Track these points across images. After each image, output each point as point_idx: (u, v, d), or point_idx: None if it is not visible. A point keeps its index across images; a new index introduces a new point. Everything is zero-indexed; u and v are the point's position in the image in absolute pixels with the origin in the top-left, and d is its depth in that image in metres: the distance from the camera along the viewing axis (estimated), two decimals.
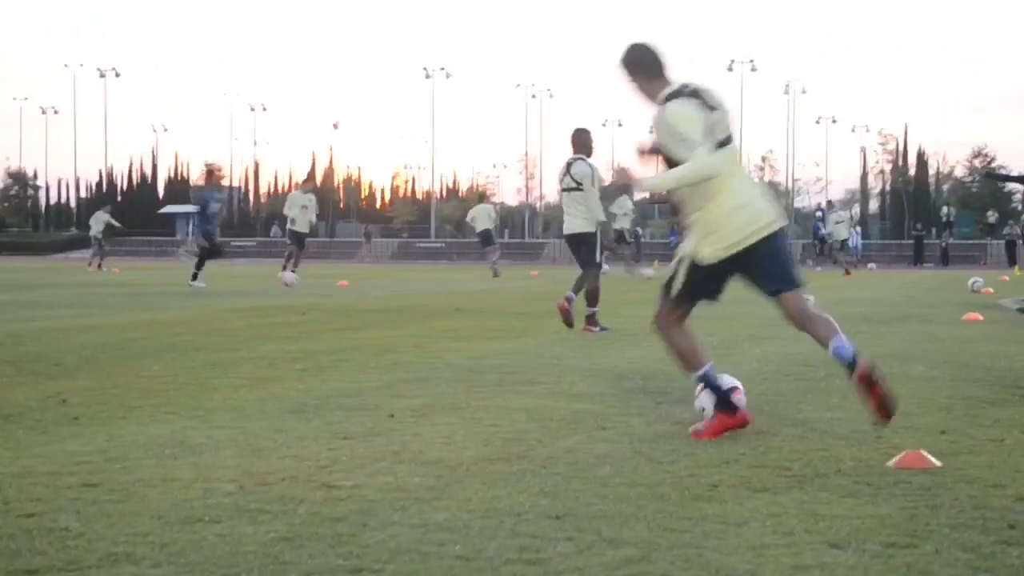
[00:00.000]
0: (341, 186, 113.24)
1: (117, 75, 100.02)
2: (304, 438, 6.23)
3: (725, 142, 6.44)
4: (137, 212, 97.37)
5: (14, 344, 11.47)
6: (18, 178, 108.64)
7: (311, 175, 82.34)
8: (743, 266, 6.46)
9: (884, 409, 6.08)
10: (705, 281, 6.53)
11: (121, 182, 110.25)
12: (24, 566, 3.85)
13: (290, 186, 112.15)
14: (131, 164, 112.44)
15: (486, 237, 37.80)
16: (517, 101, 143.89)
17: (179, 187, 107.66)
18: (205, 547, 4.08)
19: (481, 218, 37.69)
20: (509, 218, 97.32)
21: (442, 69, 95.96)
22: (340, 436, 6.28)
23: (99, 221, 44.65)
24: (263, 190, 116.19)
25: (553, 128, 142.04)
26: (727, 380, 6.56)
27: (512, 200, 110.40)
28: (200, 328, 13.70)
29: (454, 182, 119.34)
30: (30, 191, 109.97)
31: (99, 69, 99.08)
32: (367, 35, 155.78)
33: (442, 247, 79.07)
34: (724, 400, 6.42)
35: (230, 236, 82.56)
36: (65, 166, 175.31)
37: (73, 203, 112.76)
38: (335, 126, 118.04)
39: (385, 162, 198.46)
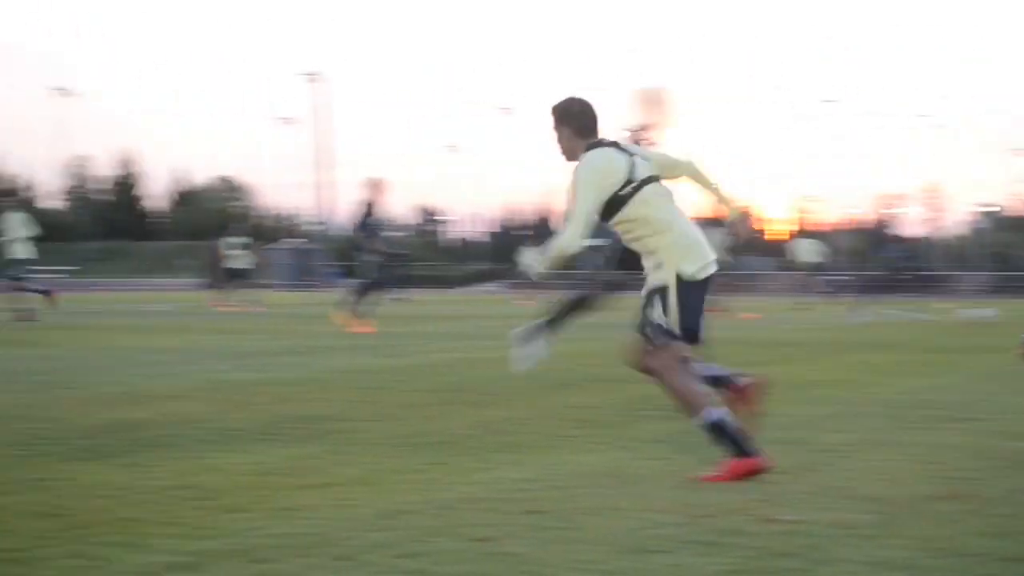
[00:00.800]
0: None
1: (511, 112, 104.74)
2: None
3: (647, 182, 6.23)
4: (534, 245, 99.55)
5: (444, 373, 11.92)
6: (429, 214, 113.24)
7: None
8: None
9: None
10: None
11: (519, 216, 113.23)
12: None
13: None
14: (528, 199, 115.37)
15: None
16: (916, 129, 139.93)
17: None
18: (653, 575, 4.11)
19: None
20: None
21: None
22: (776, 470, 6.22)
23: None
24: None
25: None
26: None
27: (917, 231, 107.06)
28: (598, 361, 13.87)
29: (858, 213, 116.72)
30: (439, 226, 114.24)
31: (499, 106, 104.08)
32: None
33: (851, 279, 77.23)
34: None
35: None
36: (466, 202, 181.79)
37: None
38: None
39: (779, 194, 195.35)
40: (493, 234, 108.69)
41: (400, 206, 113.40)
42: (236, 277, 32.44)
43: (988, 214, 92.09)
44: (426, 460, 6.53)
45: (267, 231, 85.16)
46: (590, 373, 11.93)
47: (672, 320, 6.12)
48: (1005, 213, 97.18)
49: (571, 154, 6.39)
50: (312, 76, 72.88)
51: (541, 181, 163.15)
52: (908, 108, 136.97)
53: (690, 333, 6.16)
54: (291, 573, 4.17)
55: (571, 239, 6.17)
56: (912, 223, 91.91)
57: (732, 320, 23.61)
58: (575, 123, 6.41)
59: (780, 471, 6.17)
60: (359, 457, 6.65)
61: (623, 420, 8.18)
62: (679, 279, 6.12)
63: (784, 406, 9.04)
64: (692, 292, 6.13)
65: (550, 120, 6.50)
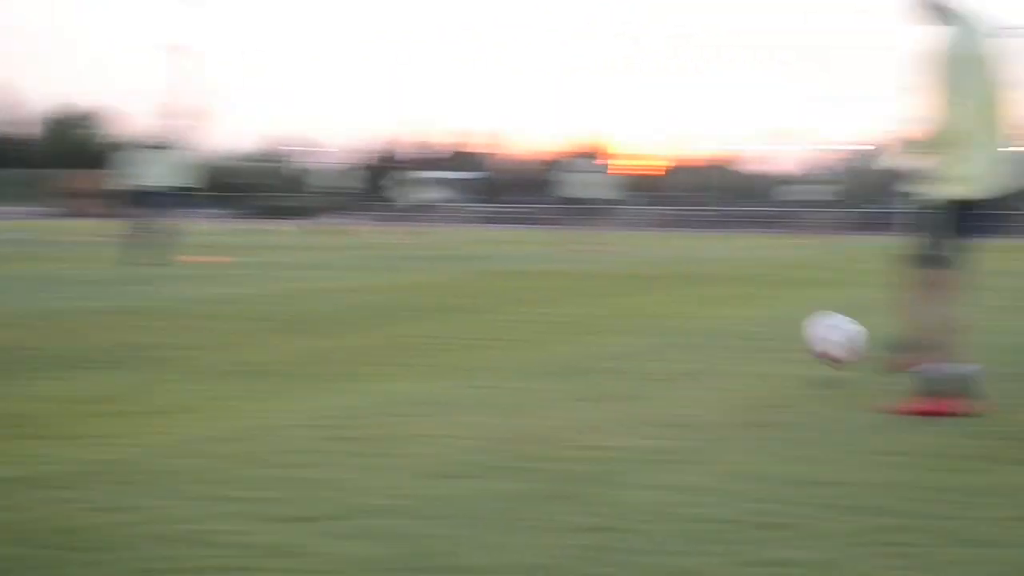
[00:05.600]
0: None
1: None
2: (561, 399, 6.30)
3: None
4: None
5: (283, 304, 11.87)
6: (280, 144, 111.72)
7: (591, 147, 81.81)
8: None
9: None
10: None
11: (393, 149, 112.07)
12: (299, 513, 3.97)
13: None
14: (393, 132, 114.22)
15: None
16: None
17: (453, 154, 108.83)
18: (459, 502, 4.15)
19: None
20: None
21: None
22: (596, 398, 6.31)
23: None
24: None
25: None
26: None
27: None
28: (458, 291, 13.92)
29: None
30: (290, 156, 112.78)
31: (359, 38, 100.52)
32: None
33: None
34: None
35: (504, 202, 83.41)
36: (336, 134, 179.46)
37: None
38: None
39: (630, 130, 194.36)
40: (344, 167, 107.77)
41: (253, 136, 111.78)
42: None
43: None
44: (251, 388, 6.49)
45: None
46: (424, 304, 11.96)
47: None
48: None
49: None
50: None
51: (394, 115, 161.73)
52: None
53: None
54: (82, 499, 4.11)
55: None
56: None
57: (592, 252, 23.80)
58: None
59: (596, 399, 6.27)
60: (186, 384, 6.60)
61: (453, 350, 8.21)
62: None
63: (610, 337, 9.17)
64: None
65: None
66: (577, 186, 28.79)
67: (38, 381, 6.63)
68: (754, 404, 6.25)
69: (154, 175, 19.45)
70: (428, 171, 46.86)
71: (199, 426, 5.41)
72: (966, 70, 5.90)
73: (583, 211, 28.92)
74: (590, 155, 32.86)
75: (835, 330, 7.00)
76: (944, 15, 5.95)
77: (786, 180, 66.63)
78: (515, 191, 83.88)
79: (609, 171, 29.46)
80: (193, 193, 21.55)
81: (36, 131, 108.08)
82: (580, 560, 3.49)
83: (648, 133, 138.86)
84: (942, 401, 5.90)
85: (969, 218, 5.95)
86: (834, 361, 6.94)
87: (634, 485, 4.41)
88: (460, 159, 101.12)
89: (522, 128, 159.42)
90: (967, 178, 5.90)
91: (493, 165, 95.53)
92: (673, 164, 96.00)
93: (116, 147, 23.52)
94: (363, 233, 35.62)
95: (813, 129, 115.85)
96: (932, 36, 5.96)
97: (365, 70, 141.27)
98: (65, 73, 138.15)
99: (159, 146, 19.79)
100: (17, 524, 3.81)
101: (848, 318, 7.13)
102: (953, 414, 5.83)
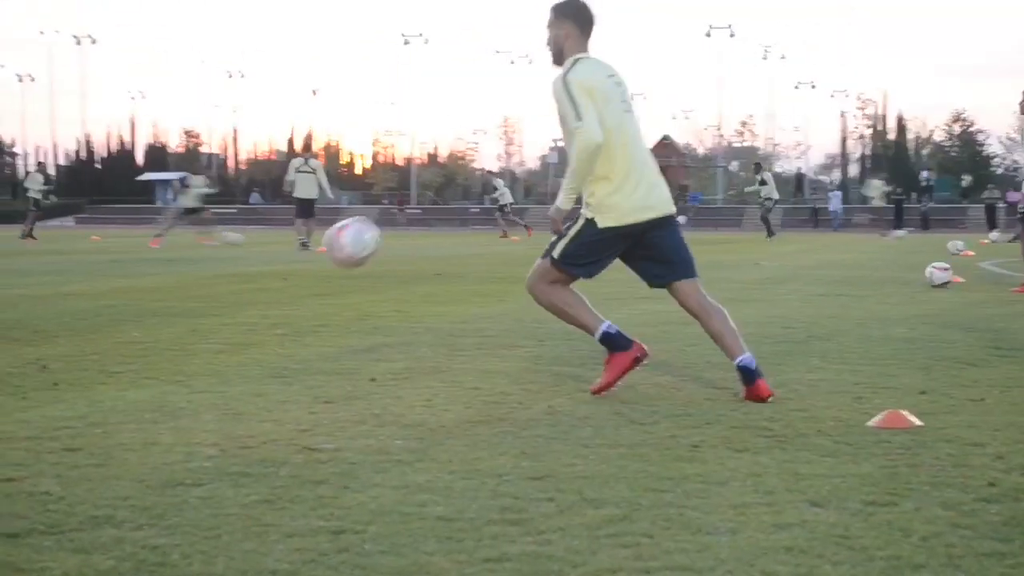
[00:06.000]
0: (322, 153, 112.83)
1: (93, 41, 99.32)
2: (285, 402, 6.23)
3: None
4: (116, 179, 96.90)
5: None
6: None
7: (308, 145, 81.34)
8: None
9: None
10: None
11: (99, 150, 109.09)
12: (5, 529, 3.83)
13: (270, 154, 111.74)
14: (109, 131, 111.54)
15: None
16: (495, 67, 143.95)
17: (158, 154, 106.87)
18: (187, 510, 4.07)
19: None
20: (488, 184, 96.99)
21: (420, 35, 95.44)
22: (321, 400, 6.28)
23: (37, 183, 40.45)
24: (242, 157, 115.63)
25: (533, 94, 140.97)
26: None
27: (493, 166, 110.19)
28: (180, 294, 13.67)
29: (434, 148, 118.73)
30: (7, 159, 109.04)
31: (75, 36, 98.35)
32: (344, 0, 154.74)
33: (420, 213, 79.22)
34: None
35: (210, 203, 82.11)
36: (42, 134, 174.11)
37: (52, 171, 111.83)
38: (314, 93, 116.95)
39: (364, 129, 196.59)
40: (66, 167, 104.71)
41: None
42: None
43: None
44: None
45: None
46: (145, 308, 11.69)
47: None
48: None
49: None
50: None
51: (116, 113, 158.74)
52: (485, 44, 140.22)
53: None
54: None
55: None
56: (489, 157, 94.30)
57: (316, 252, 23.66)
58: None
59: (325, 401, 6.25)
60: None
61: (174, 355, 8.05)
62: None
63: (338, 338, 9.14)
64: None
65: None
66: (301, 185, 28.69)
67: None
68: (486, 401, 6.32)
69: None
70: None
71: None
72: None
73: (302, 210, 28.83)
74: (308, 153, 33.09)
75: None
76: None
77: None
78: (228, 192, 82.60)
79: (322, 169, 29.49)
80: None
81: None
82: (320, 564, 3.48)
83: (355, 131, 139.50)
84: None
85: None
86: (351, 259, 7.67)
87: (368, 485, 4.41)
88: (184, 160, 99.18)
89: (236, 129, 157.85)
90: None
91: (205, 166, 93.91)
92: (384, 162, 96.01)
93: None
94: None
95: None
96: None
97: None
98: None
99: None
100: None
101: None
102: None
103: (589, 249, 6.50)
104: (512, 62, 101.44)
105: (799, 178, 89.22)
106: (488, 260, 23.40)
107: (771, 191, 39.95)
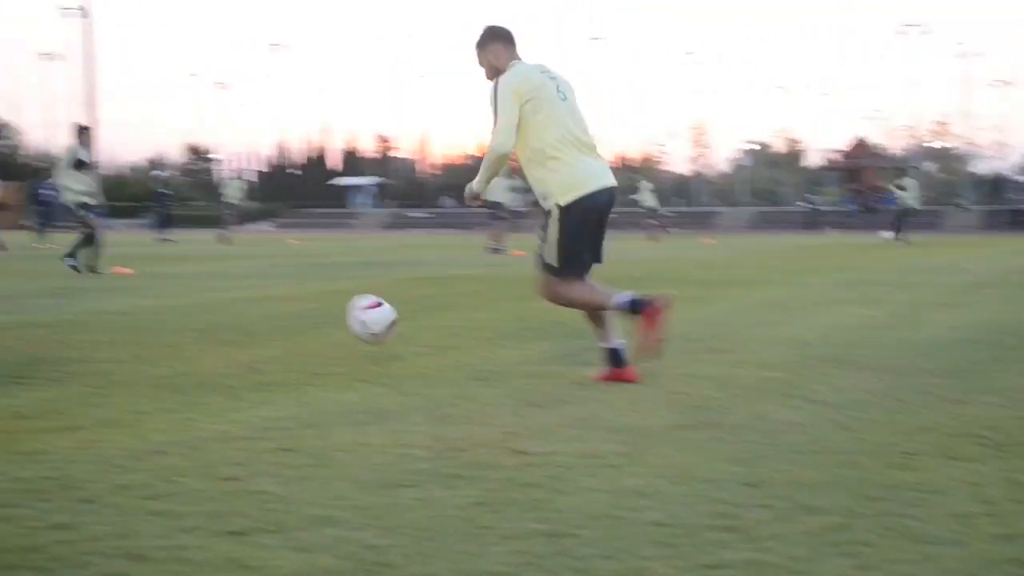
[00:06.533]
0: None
1: (285, 49, 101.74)
2: (490, 405, 6.28)
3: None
4: (311, 184, 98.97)
5: (205, 314, 11.74)
6: (197, 153, 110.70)
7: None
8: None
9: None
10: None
11: (294, 155, 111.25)
12: (230, 527, 3.93)
13: (462, 158, 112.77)
14: (304, 137, 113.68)
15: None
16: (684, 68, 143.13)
17: (352, 159, 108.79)
18: (403, 511, 4.13)
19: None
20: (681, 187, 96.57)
21: (604, 37, 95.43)
22: (526, 403, 6.31)
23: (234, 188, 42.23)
24: (434, 161, 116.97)
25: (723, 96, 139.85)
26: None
27: (684, 169, 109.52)
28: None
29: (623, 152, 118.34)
30: (207, 165, 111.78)
31: (270, 43, 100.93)
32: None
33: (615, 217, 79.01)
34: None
35: (405, 207, 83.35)
36: (238, 141, 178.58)
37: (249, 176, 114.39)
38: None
39: None
40: (264, 173, 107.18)
41: (168, 145, 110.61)
42: None
43: (752, 152, 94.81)
44: (180, 401, 6.42)
45: (34, 172, 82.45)
46: (343, 312, 11.86)
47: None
48: (770, 150, 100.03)
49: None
50: (75, 11, 70.09)
51: (313, 120, 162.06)
52: (673, 45, 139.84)
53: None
54: (27, 517, 4.06)
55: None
56: (679, 161, 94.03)
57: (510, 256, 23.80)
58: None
59: (532, 404, 6.26)
60: (111, 399, 6.50)
61: (379, 357, 8.17)
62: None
63: (538, 341, 9.18)
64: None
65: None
66: (495, 190, 29.01)
67: None
68: (697, 405, 6.27)
69: (73, 188, 19.10)
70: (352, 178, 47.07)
71: (136, 440, 5.33)
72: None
73: (488, 215, 29.10)
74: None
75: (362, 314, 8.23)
76: None
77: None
78: (419, 196, 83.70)
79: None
80: (102, 204, 21.31)
81: None
82: (537, 567, 3.49)
83: None
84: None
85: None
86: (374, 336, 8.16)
87: (580, 489, 4.42)
88: (378, 165, 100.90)
89: (428, 132, 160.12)
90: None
91: (398, 170, 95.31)
92: None
93: (31, 160, 23.07)
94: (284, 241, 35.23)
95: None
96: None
97: (275, 78, 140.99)
98: None
99: (73, 158, 19.36)
100: None
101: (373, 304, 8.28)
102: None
103: (573, 237, 7.07)
104: (700, 63, 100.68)
105: (998, 179, 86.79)
106: (678, 264, 23.26)
107: (911, 198, 38.12)
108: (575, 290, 7.16)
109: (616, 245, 29.38)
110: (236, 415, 6.00)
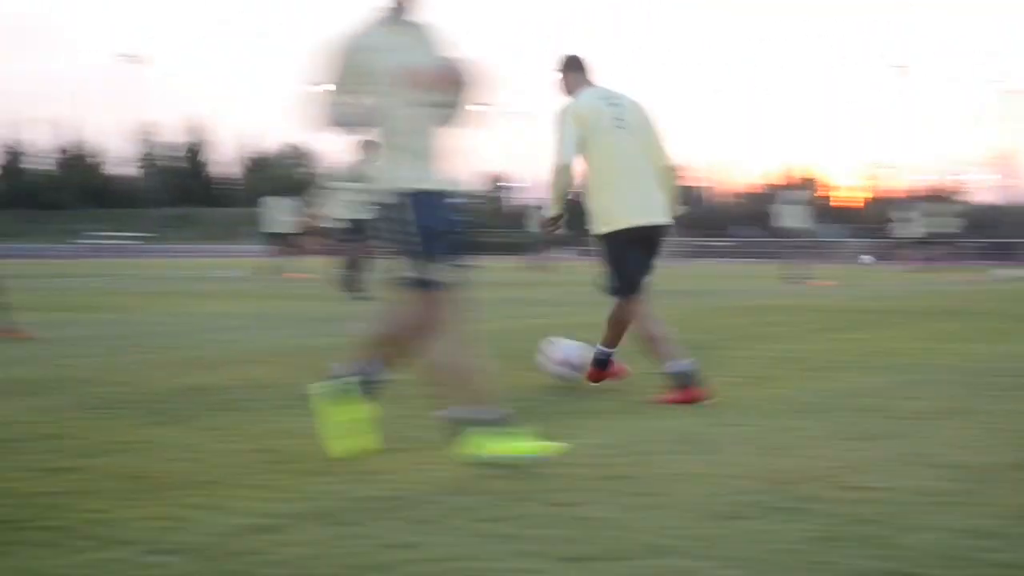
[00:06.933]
0: (810, 185, 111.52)
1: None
2: (815, 437, 6.17)
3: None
4: None
5: (504, 340, 11.87)
6: (497, 181, 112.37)
7: (796, 177, 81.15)
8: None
9: None
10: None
11: None
12: (567, 553, 3.96)
13: (759, 187, 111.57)
14: None
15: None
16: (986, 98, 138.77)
17: None
18: (740, 542, 4.09)
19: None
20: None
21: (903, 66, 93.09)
22: (851, 436, 6.17)
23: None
24: (730, 189, 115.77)
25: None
26: None
27: (988, 198, 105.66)
28: (690, 326, 13.81)
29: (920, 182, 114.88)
30: (507, 192, 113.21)
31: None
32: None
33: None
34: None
35: (700, 236, 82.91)
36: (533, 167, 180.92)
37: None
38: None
39: (845, 160, 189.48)
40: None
41: (469, 173, 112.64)
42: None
43: None
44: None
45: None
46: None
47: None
48: None
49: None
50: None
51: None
52: (978, 74, 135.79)
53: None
54: (370, 535, 4.18)
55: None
56: (984, 190, 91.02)
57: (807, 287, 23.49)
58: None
59: (859, 438, 6.12)
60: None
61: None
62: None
63: (861, 374, 8.97)
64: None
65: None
66: (788, 217, 28.72)
67: (291, 417, 6.74)
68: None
69: (354, 208, 19.45)
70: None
71: (465, 464, 5.42)
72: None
73: (793, 243, 28.73)
74: (800, 186, 32.66)
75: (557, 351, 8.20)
76: None
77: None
78: (725, 224, 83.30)
79: (815, 202, 29.29)
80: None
81: (235, 169, 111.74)
82: None
83: (851, 163, 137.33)
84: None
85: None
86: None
87: (919, 527, 4.29)
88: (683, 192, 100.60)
89: (732, 159, 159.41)
90: None
91: (707, 198, 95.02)
92: (875, 195, 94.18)
93: (318, 182, 23.63)
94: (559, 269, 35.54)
95: None
96: None
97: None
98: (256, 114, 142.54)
99: (355, 179, 19.64)
100: (311, 560, 3.89)
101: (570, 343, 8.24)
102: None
103: (615, 263, 7.60)
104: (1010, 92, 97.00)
105: None
106: (992, 295, 22.45)
107: None
108: (651, 327, 7.66)
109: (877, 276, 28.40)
110: (561, 442, 6.03)
